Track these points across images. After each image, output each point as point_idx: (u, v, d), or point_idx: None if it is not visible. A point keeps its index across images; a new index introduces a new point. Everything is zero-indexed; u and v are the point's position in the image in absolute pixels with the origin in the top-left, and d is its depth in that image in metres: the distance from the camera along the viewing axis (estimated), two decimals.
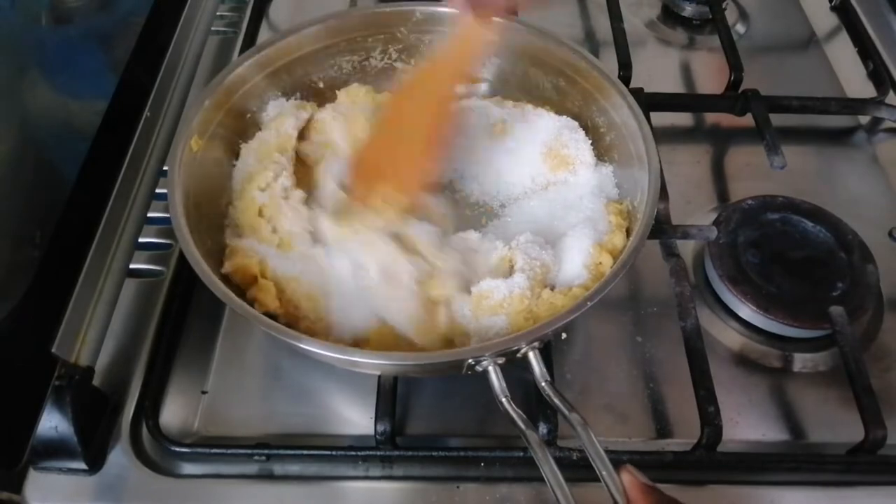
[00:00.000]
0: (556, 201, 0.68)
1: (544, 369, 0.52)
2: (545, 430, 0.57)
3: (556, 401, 0.51)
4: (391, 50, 0.75)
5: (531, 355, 0.53)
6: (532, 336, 0.52)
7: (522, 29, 0.71)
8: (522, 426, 0.49)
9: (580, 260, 0.61)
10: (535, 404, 0.58)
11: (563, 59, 0.70)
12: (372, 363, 0.54)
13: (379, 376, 0.59)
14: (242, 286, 0.60)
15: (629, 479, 0.45)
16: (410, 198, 0.64)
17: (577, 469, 0.51)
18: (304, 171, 0.70)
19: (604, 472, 0.46)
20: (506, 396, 0.51)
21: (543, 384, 0.52)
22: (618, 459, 0.47)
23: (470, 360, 0.51)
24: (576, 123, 0.71)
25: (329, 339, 0.58)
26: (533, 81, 0.74)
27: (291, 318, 0.59)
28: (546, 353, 0.58)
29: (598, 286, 0.55)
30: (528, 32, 0.71)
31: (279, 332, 0.53)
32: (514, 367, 0.53)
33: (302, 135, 0.71)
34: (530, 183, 0.70)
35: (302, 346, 0.52)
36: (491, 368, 0.52)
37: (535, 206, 0.68)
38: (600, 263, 0.60)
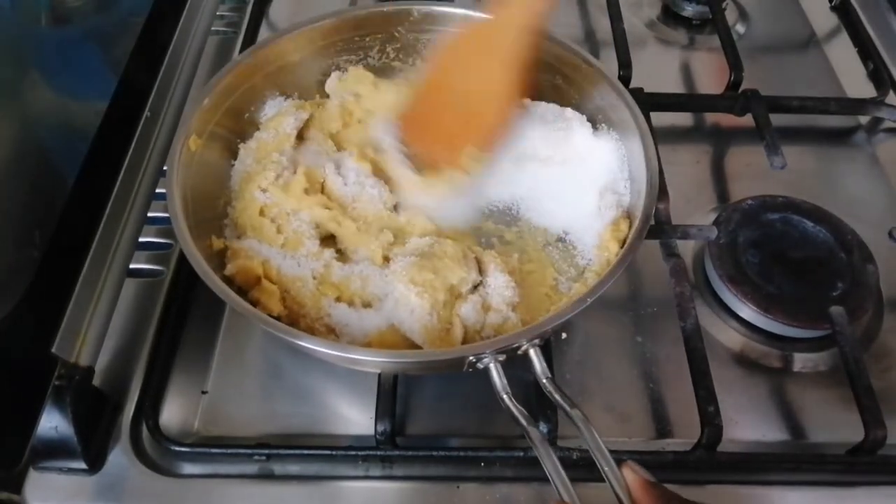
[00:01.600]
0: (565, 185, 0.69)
1: (545, 366, 0.53)
2: (545, 430, 0.57)
3: (558, 397, 0.51)
4: (389, 49, 0.75)
5: (532, 352, 0.53)
6: (532, 333, 0.52)
7: None
8: (524, 423, 0.50)
9: (591, 242, 0.63)
10: (535, 404, 0.58)
11: (562, 57, 0.70)
12: (373, 361, 0.55)
13: (379, 376, 0.59)
14: (245, 287, 0.60)
15: (631, 475, 0.45)
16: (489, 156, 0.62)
17: (578, 469, 0.51)
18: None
19: (606, 469, 0.46)
20: (507, 393, 0.51)
21: (545, 381, 0.52)
22: (618, 459, 0.47)
23: (471, 358, 0.52)
24: (567, 109, 0.71)
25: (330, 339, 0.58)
26: (531, 80, 0.73)
27: (294, 317, 0.59)
28: (546, 352, 0.58)
29: (596, 284, 0.55)
30: None
31: (280, 331, 0.53)
32: (514, 366, 0.53)
33: (300, 134, 0.71)
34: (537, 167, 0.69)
35: (303, 344, 0.52)
36: (492, 365, 0.52)
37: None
38: (607, 251, 0.61)
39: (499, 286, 0.59)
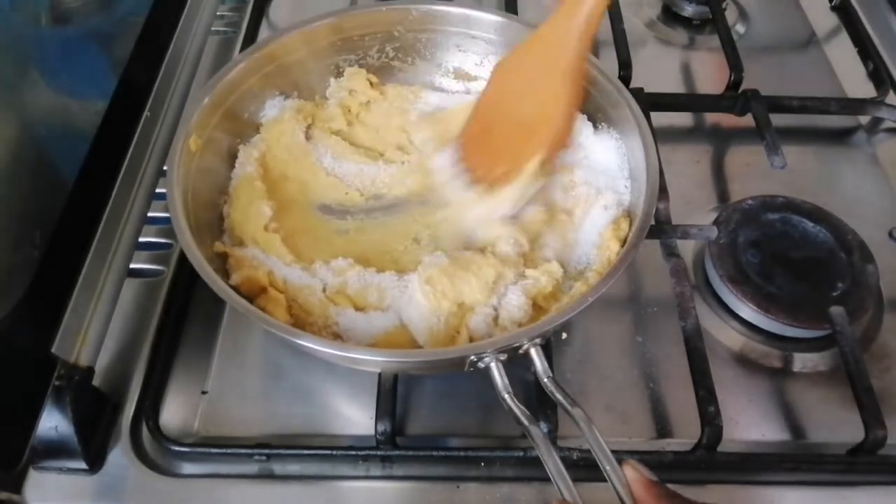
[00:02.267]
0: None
1: (546, 365, 0.53)
2: (546, 430, 0.57)
3: (559, 396, 0.51)
4: (388, 48, 0.75)
5: (533, 351, 0.53)
6: (533, 332, 0.52)
7: (522, 28, 0.71)
8: (525, 422, 0.49)
9: (592, 241, 0.63)
10: (535, 403, 0.58)
11: None
12: (374, 360, 0.55)
13: (379, 376, 0.59)
14: (250, 296, 0.59)
15: (632, 474, 0.45)
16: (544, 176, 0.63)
17: (578, 469, 0.51)
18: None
19: (607, 467, 0.46)
20: (508, 392, 0.51)
21: (546, 380, 0.52)
22: (618, 459, 0.47)
23: (472, 357, 0.51)
24: None
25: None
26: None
27: (300, 325, 0.59)
28: (547, 351, 0.58)
29: (597, 283, 0.55)
30: (527, 31, 0.71)
31: (280, 331, 0.53)
32: (514, 366, 0.53)
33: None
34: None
35: (303, 343, 0.52)
36: (493, 365, 0.52)
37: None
38: (608, 250, 0.61)
39: (512, 305, 0.58)
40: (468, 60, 0.76)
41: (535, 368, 0.53)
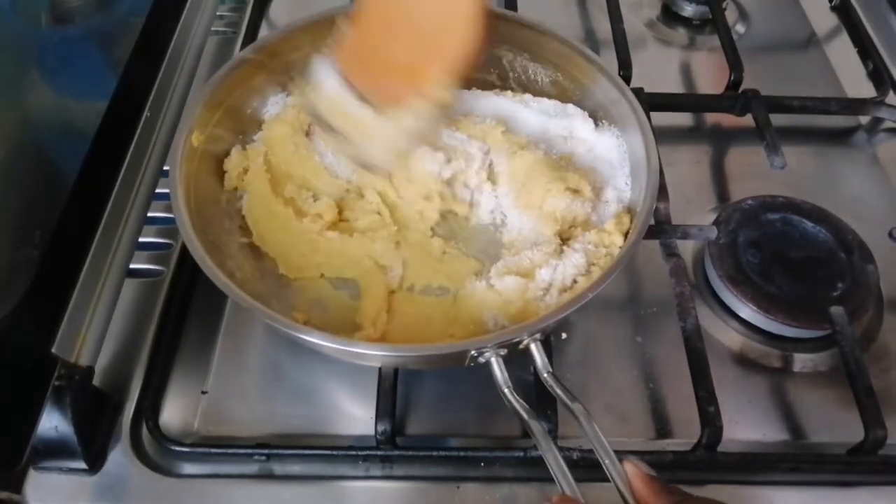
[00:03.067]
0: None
1: (546, 360, 0.53)
2: (546, 429, 0.57)
3: (559, 391, 0.51)
4: None
5: (533, 347, 0.53)
6: (534, 328, 0.52)
7: (522, 24, 0.71)
8: (525, 416, 0.49)
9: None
10: (534, 403, 0.58)
11: (563, 54, 0.70)
12: (374, 354, 0.54)
13: (379, 374, 0.59)
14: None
15: (633, 470, 0.45)
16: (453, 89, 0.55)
17: (578, 468, 0.51)
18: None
19: (607, 462, 0.46)
20: (508, 387, 0.51)
21: (546, 375, 0.52)
22: (619, 456, 0.47)
23: (472, 352, 0.51)
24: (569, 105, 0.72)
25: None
26: (531, 77, 0.74)
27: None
28: (546, 350, 0.58)
29: (598, 279, 0.55)
30: (527, 28, 0.71)
31: (281, 325, 0.52)
32: (514, 367, 0.53)
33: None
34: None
35: (303, 337, 0.52)
36: (493, 360, 0.52)
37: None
38: (612, 244, 0.61)
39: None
40: None
41: (535, 364, 0.53)
